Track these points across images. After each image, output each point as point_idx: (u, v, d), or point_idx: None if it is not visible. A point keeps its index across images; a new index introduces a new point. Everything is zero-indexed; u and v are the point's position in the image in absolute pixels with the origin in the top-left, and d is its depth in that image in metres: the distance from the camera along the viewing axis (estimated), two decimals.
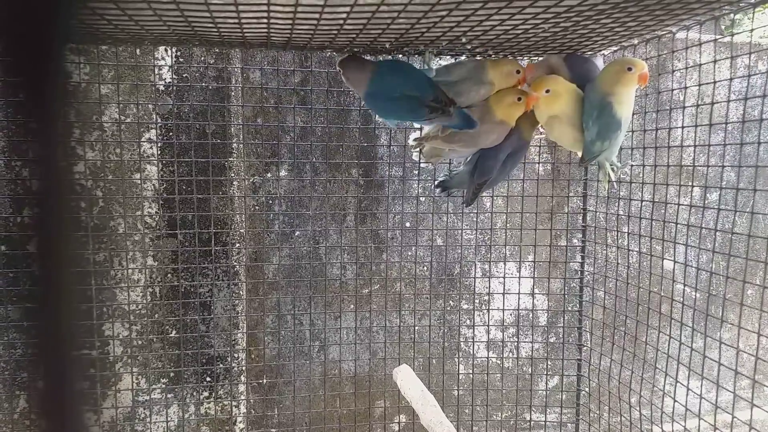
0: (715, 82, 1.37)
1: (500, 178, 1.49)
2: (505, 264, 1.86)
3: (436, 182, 1.55)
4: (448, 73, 1.38)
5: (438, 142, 1.43)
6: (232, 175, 1.66)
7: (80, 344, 0.35)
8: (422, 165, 1.73)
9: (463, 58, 1.58)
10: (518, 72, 1.35)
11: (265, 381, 1.75)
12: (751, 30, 1.27)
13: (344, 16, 1.08)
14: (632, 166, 1.61)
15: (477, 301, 1.87)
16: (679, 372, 1.46)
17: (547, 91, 1.34)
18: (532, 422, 1.89)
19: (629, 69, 1.28)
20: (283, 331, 1.75)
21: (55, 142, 0.33)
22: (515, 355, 1.90)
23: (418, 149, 1.53)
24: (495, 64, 1.37)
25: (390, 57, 1.44)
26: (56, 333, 0.34)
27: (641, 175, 1.57)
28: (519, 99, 1.36)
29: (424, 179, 1.78)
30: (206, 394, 1.70)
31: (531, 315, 1.90)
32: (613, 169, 1.45)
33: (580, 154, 1.44)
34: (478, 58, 1.51)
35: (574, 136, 1.38)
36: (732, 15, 1.22)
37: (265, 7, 1.01)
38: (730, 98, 1.46)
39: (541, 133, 1.53)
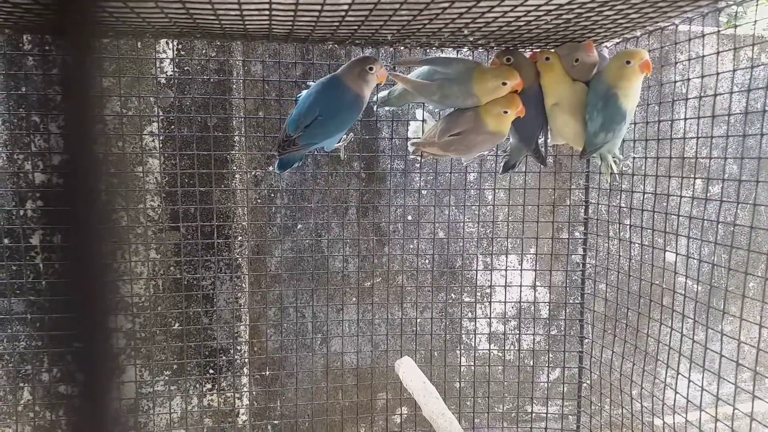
0: (717, 74, 1.37)
1: (544, 123, 1.46)
2: (506, 256, 1.86)
3: (501, 169, 1.57)
4: (447, 65, 1.37)
5: (434, 149, 1.44)
6: (234, 168, 1.66)
7: (109, 337, 0.36)
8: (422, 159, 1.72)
9: (465, 50, 1.58)
10: (504, 84, 1.32)
11: (267, 373, 1.76)
12: (755, 21, 1.26)
13: (346, 7, 1.08)
14: (634, 158, 1.60)
15: (479, 293, 1.87)
16: (680, 364, 1.46)
17: (547, 59, 1.36)
18: (534, 414, 1.90)
19: (628, 62, 1.27)
20: (286, 323, 1.76)
21: (82, 135, 0.34)
22: (517, 348, 1.90)
23: (418, 153, 1.53)
24: (481, 78, 1.34)
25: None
26: (91, 306, 0.35)
27: (643, 168, 1.57)
28: (505, 112, 1.35)
29: (425, 172, 1.78)
30: (209, 386, 1.70)
31: (533, 307, 1.90)
32: (615, 162, 1.45)
33: (578, 148, 1.44)
34: (472, 60, 1.50)
35: (576, 128, 1.38)
36: (735, 7, 1.22)
37: None
38: (732, 90, 1.45)
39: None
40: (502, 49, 1.45)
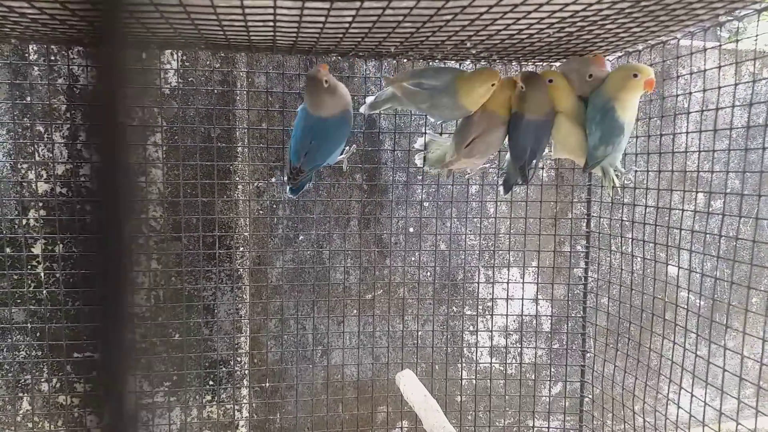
0: (719, 88, 1.37)
1: (540, 151, 1.44)
2: (508, 270, 1.86)
3: (502, 189, 1.54)
4: (435, 76, 1.35)
5: (461, 163, 1.42)
6: (237, 179, 1.66)
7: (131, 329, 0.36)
8: (427, 170, 1.72)
9: (467, 63, 1.59)
10: (493, 85, 1.31)
11: (267, 385, 1.75)
12: (756, 36, 1.27)
13: (349, 19, 1.09)
14: (636, 172, 1.61)
15: (480, 306, 1.87)
16: (683, 379, 1.45)
17: (550, 81, 1.35)
18: (535, 429, 1.88)
19: (635, 75, 1.28)
20: (286, 335, 1.75)
21: (117, 143, 0.35)
22: (518, 362, 1.89)
23: (424, 161, 1.52)
24: (466, 87, 1.31)
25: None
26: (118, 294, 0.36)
27: (645, 182, 1.57)
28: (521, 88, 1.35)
29: (427, 184, 1.79)
30: (209, 397, 1.69)
31: (534, 321, 1.89)
32: (617, 175, 1.45)
33: (580, 163, 1.44)
34: (454, 68, 1.46)
35: (579, 139, 1.38)
36: (736, 23, 1.23)
37: (271, 10, 1.02)
38: (734, 104, 1.46)
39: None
40: (523, 73, 1.41)
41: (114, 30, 0.33)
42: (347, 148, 1.49)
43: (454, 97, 1.32)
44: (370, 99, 1.49)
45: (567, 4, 1.00)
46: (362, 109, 1.50)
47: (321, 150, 1.37)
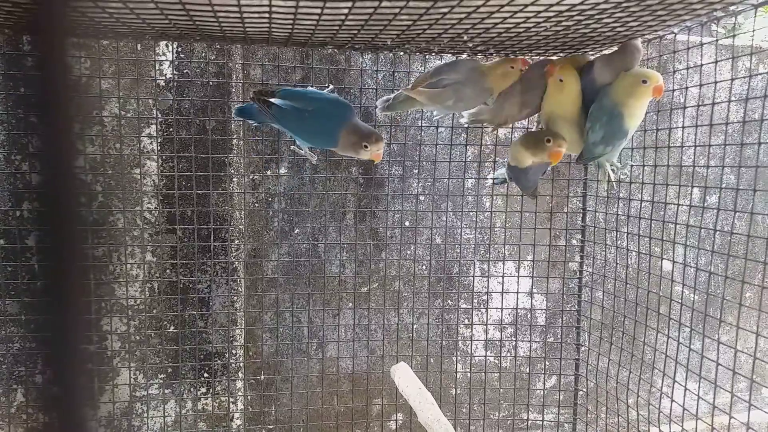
0: (715, 83, 1.37)
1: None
2: (504, 263, 1.86)
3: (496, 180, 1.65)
4: (453, 71, 1.38)
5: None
6: (232, 171, 1.66)
7: (85, 339, 0.35)
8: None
9: (464, 56, 1.59)
10: (512, 67, 1.38)
11: (262, 378, 1.75)
12: (753, 31, 1.27)
13: (346, 11, 1.08)
14: (632, 166, 1.61)
15: (475, 300, 1.87)
16: (677, 373, 1.46)
17: (561, 80, 1.36)
18: (530, 422, 1.89)
19: (644, 82, 1.27)
20: (281, 328, 1.75)
21: (59, 136, 0.33)
22: (513, 355, 1.89)
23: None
24: (491, 69, 1.39)
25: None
26: (60, 328, 0.34)
27: (641, 176, 1.57)
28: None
29: (423, 178, 1.78)
30: (204, 390, 1.70)
31: (529, 315, 1.89)
32: (613, 170, 1.45)
33: (575, 153, 1.44)
34: (470, 59, 1.51)
35: (577, 134, 1.39)
36: (733, 19, 1.22)
37: (266, 1, 1.01)
38: (730, 99, 1.46)
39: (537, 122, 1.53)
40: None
41: (53, 16, 0.32)
42: (307, 148, 1.49)
43: (481, 81, 1.37)
44: (381, 100, 1.50)
45: None
46: (378, 112, 1.52)
47: (301, 122, 1.35)
